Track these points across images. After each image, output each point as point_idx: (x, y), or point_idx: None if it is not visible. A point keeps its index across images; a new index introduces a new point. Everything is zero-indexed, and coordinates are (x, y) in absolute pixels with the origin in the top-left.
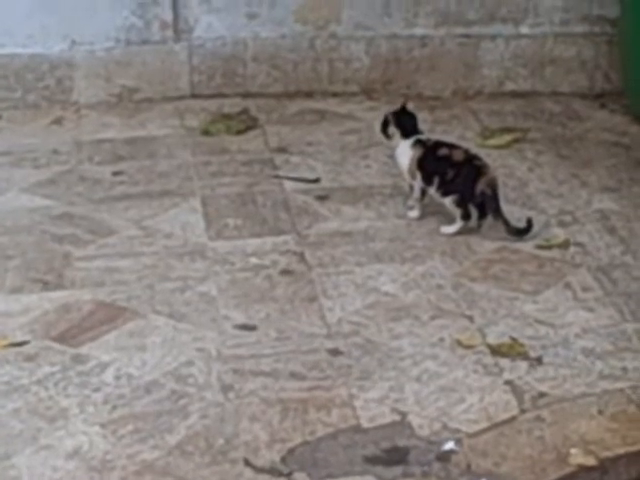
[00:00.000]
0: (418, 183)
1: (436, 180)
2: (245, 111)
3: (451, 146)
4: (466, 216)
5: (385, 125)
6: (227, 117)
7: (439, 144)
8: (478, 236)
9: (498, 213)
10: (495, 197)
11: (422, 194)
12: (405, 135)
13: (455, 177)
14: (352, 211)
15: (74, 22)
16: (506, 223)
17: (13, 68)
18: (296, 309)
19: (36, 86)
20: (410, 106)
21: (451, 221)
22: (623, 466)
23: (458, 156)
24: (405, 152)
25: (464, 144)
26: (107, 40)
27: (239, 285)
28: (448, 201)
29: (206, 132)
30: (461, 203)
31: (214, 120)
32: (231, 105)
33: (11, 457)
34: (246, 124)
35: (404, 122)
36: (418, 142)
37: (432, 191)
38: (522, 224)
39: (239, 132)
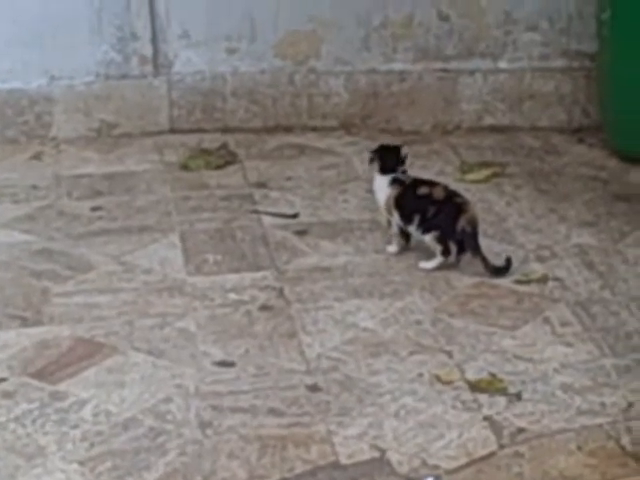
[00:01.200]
0: (395, 220)
1: (416, 218)
2: (224, 146)
3: (430, 184)
4: (446, 252)
5: (372, 159)
6: (206, 152)
7: (418, 182)
8: (457, 271)
9: (477, 251)
10: (475, 235)
11: (400, 231)
12: (383, 171)
13: (436, 214)
14: (331, 246)
15: (53, 57)
16: (485, 261)
17: None
18: (275, 345)
19: (15, 121)
20: (405, 150)
21: (430, 256)
22: None
23: (438, 194)
24: (382, 188)
25: (443, 179)
26: (86, 75)
27: (218, 321)
28: (429, 238)
29: (185, 167)
30: (442, 239)
31: (193, 155)
32: (210, 140)
33: None
34: (225, 159)
35: (386, 157)
36: (396, 181)
37: (412, 229)
38: (501, 262)
39: (218, 167)
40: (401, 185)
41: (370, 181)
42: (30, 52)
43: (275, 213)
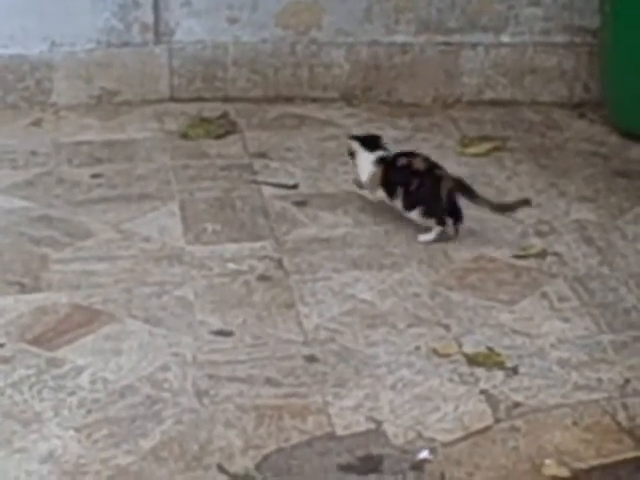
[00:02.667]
0: (380, 195)
1: (400, 192)
2: (224, 115)
3: (410, 155)
4: (441, 222)
5: (352, 153)
6: (206, 121)
7: (398, 155)
8: (455, 244)
9: (476, 196)
10: (463, 186)
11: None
12: (368, 148)
13: (419, 187)
14: (330, 217)
15: (55, 23)
16: (488, 202)
17: None
18: (273, 315)
19: (16, 87)
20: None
21: (428, 229)
22: (596, 478)
23: (418, 164)
24: (366, 167)
25: (443, 152)
26: (88, 42)
27: (216, 290)
28: (415, 214)
29: (185, 136)
30: (428, 213)
31: (193, 124)
32: (211, 109)
33: None
34: (225, 128)
35: (367, 139)
36: (381, 160)
37: (398, 205)
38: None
39: (218, 136)
40: (384, 163)
41: None
42: (31, 18)
43: (275, 183)
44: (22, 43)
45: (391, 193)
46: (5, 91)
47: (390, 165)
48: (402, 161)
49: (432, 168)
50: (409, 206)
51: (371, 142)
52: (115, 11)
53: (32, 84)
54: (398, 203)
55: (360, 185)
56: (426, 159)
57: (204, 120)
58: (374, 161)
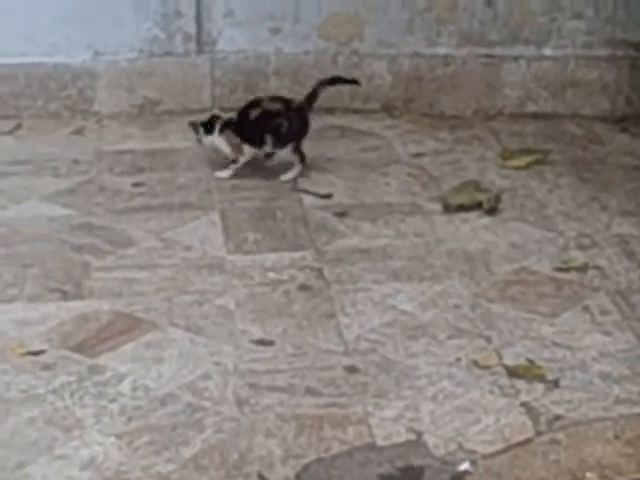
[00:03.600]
0: (248, 153)
1: (269, 138)
2: None
3: (256, 103)
4: (303, 159)
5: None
6: None
7: (245, 109)
8: (497, 257)
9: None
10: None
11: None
12: (208, 131)
13: (290, 125)
14: (371, 228)
15: (98, 32)
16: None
17: (36, 77)
18: (313, 325)
19: (58, 95)
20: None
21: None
22: None
23: (275, 106)
24: (221, 143)
25: (484, 165)
26: (130, 51)
27: (257, 300)
28: (286, 152)
29: None
30: (298, 149)
31: None
32: None
33: (25, 466)
34: None
35: (204, 123)
36: (225, 125)
37: (269, 149)
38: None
39: None
40: (231, 123)
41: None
42: (75, 27)
43: (310, 191)
44: (65, 52)
45: (257, 144)
46: (48, 99)
47: (241, 122)
48: (255, 112)
49: (289, 104)
50: (282, 145)
51: (210, 123)
52: (158, 21)
53: (75, 93)
54: (268, 148)
55: (233, 159)
56: (274, 98)
57: None
58: (219, 131)
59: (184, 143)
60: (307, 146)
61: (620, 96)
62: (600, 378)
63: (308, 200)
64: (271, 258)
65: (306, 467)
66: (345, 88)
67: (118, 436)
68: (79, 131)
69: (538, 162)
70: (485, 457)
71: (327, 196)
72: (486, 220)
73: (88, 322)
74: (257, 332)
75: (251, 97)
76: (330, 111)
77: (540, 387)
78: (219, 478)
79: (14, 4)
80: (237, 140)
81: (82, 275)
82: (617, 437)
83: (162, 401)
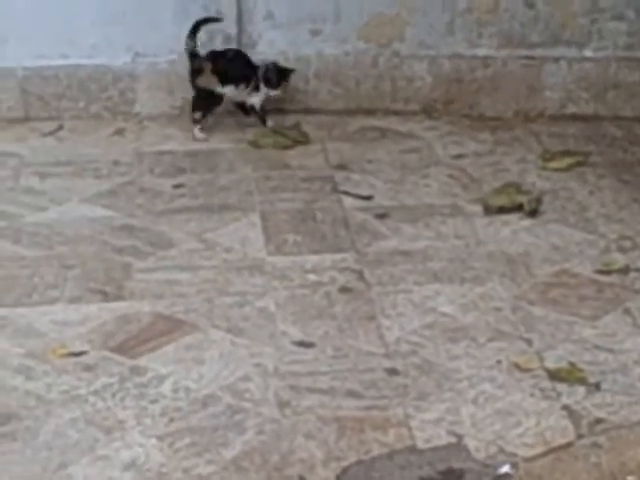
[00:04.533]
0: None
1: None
2: (296, 126)
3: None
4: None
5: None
6: (278, 132)
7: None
8: (538, 259)
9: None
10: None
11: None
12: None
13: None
14: (411, 230)
15: (138, 34)
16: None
17: (77, 78)
18: (354, 327)
19: (99, 97)
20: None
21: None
22: None
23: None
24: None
25: (524, 166)
26: (170, 53)
27: (297, 301)
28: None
29: (255, 145)
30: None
31: (264, 134)
32: (291, 121)
33: (68, 467)
34: (295, 139)
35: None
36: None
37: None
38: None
39: (285, 147)
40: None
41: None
42: (115, 29)
43: (350, 193)
44: (105, 53)
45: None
46: (88, 101)
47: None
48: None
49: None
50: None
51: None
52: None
53: (115, 94)
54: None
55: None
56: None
57: (276, 131)
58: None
59: (224, 144)
60: (347, 148)
61: None
62: None
63: (348, 202)
64: (311, 260)
65: (346, 469)
66: (386, 88)
67: (159, 437)
68: (120, 132)
69: (579, 164)
70: (526, 460)
71: (368, 198)
72: (527, 222)
73: (129, 323)
74: (298, 334)
75: (291, 98)
76: (370, 112)
77: (581, 390)
78: None
79: (55, 7)
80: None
81: (123, 276)
82: None
83: (203, 403)
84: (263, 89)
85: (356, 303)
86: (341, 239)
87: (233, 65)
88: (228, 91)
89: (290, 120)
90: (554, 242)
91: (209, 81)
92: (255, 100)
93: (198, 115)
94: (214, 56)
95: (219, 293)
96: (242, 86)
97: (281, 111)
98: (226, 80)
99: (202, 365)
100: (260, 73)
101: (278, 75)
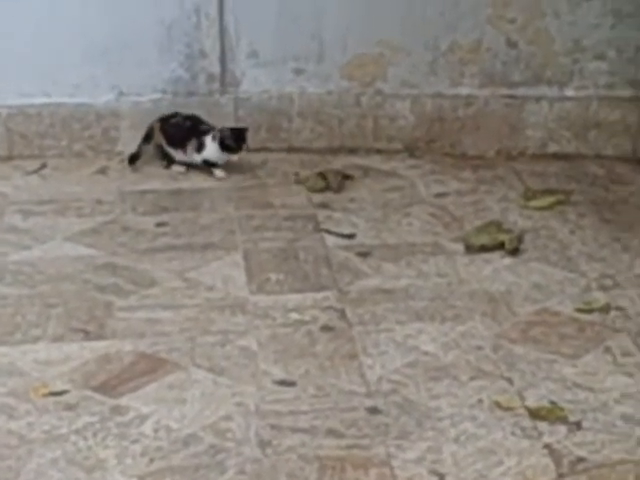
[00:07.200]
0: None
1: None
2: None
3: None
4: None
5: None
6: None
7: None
8: (519, 298)
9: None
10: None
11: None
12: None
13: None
14: (393, 269)
15: (122, 73)
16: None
17: (60, 117)
18: (336, 366)
19: (82, 135)
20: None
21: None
22: None
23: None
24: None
25: (507, 205)
26: (154, 92)
27: (279, 340)
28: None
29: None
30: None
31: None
32: (275, 160)
33: None
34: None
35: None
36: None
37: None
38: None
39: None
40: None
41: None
42: (99, 67)
43: (333, 231)
44: (89, 92)
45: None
46: (71, 139)
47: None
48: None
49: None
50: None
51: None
52: (182, 61)
53: (98, 133)
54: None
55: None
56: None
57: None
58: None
59: (207, 183)
60: None
61: None
62: (622, 420)
63: (331, 240)
64: (293, 299)
65: None
66: (368, 126)
67: (140, 477)
68: (103, 171)
69: (560, 203)
70: None
71: (350, 236)
72: (508, 261)
73: (111, 362)
74: (279, 373)
75: (274, 137)
76: (353, 151)
77: (562, 429)
78: None
79: (39, 45)
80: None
81: (105, 315)
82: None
83: (184, 442)
84: (221, 155)
85: (338, 342)
86: (323, 278)
87: (176, 129)
88: (172, 151)
89: (273, 158)
90: (535, 281)
91: (159, 139)
92: (198, 158)
93: (164, 164)
94: (162, 118)
95: (201, 332)
96: (181, 151)
97: (266, 150)
98: (171, 142)
99: (184, 404)
100: (214, 139)
101: (236, 139)
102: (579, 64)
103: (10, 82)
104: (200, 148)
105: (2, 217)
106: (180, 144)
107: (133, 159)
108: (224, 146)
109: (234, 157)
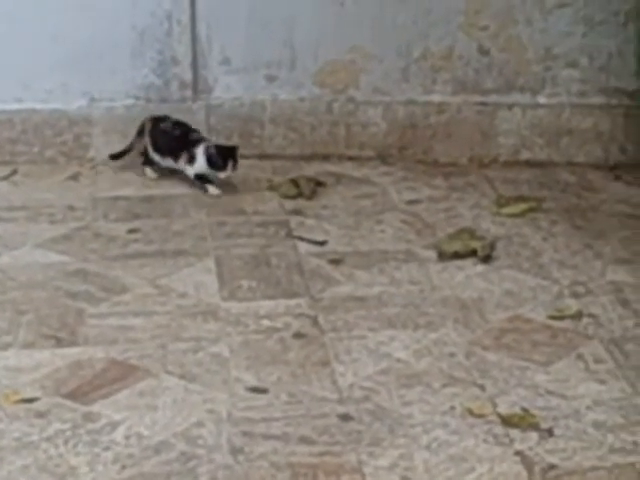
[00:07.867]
0: None
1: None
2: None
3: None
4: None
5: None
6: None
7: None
8: (492, 304)
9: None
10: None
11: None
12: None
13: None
14: (365, 276)
15: (94, 79)
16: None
17: (32, 123)
18: (308, 373)
19: (54, 142)
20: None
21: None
22: None
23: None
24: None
25: (479, 212)
26: (126, 97)
27: (251, 347)
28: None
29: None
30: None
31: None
32: (247, 166)
33: None
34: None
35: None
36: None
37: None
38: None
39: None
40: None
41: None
42: (71, 74)
43: (305, 238)
44: (61, 98)
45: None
46: (43, 146)
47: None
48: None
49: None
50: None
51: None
52: (154, 68)
53: (70, 139)
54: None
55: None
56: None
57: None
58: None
59: (179, 189)
60: None
61: (614, 144)
62: (594, 427)
63: (303, 247)
64: (266, 305)
65: None
66: (341, 133)
67: None
68: (75, 177)
69: (532, 210)
70: None
71: (322, 243)
72: (481, 268)
73: (82, 369)
74: (251, 380)
75: (246, 144)
76: (325, 158)
77: (534, 436)
78: None
79: (10, 51)
80: None
81: (76, 322)
82: None
83: (156, 449)
84: (210, 171)
85: (310, 349)
86: (295, 285)
87: (164, 136)
88: (157, 157)
89: (245, 165)
90: (508, 288)
91: (146, 140)
92: (190, 172)
93: (142, 160)
94: (154, 118)
95: (173, 339)
96: (170, 159)
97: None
98: (156, 148)
99: (155, 411)
100: (204, 153)
101: (223, 156)
102: (551, 72)
103: None
104: (191, 160)
105: None
106: (168, 152)
107: (122, 154)
108: (210, 163)
109: (221, 175)
